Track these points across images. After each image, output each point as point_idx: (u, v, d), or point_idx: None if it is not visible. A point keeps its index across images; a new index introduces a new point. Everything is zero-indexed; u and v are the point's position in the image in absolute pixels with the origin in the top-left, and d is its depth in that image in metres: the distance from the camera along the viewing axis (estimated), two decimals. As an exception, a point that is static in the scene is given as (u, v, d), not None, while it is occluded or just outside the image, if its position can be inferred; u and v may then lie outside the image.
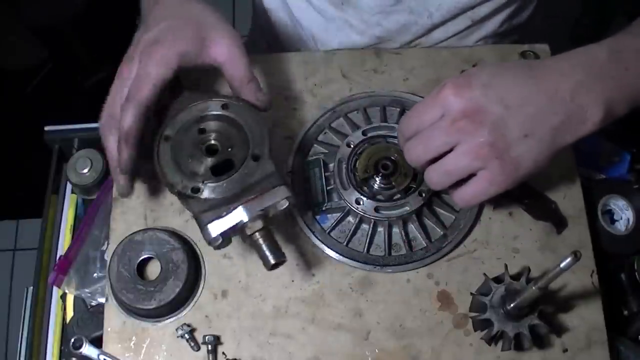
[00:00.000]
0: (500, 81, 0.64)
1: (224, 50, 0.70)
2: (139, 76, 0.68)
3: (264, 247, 0.65)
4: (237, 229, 0.66)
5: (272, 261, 0.65)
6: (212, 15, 0.72)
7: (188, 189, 0.67)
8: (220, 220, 0.65)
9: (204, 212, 0.66)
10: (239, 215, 0.65)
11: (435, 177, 0.66)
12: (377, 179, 0.78)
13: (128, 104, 0.67)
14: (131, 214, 0.80)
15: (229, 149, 0.70)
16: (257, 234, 0.65)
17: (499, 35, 0.99)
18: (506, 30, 0.99)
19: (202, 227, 0.65)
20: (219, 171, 0.69)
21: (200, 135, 0.71)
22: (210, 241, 0.65)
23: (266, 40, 1.13)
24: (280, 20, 1.05)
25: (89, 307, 0.82)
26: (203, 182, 0.67)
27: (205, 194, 0.66)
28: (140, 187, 0.81)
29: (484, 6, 0.92)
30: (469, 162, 0.63)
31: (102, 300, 0.80)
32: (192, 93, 0.75)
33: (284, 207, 0.66)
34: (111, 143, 0.71)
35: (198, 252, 0.77)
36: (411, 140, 0.66)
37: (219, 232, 0.65)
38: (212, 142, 0.72)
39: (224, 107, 0.72)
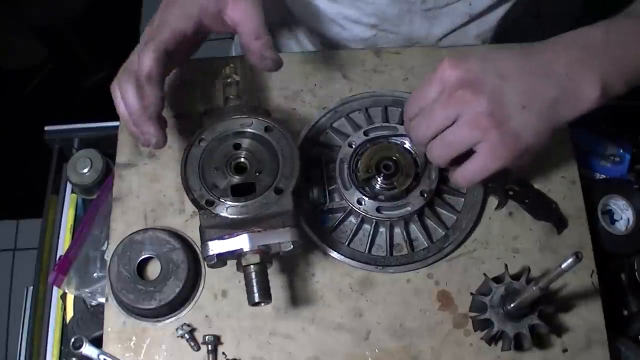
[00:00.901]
0: (496, 55, 0.65)
1: (241, 8, 0.70)
2: (158, 25, 0.68)
3: (254, 283, 0.65)
4: (235, 255, 0.66)
5: (256, 300, 0.65)
6: None
7: (203, 199, 0.67)
8: (222, 241, 0.65)
9: (210, 228, 0.66)
10: (241, 242, 0.65)
11: (437, 151, 0.66)
12: (378, 179, 0.78)
13: (146, 47, 0.66)
14: (131, 214, 0.80)
15: (256, 173, 0.70)
16: (251, 267, 0.65)
17: (497, 33, 0.99)
18: (504, 26, 0.99)
19: (203, 242, 0.66)
20: (238, 190, 0.69)
21: (233, 150, 0.71)
22: (206, 258, 0.66)
23: None
24: (273, 19, 1.05)
25: (89, 307, 0.82)
26: (220, 197, 0.67)
27: (218, 210, 0.66)
28: (140, 187, 0.81)
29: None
30: (468, 133, 0.63)
31: (102, 300, 0.80)
32: (241, 104, 0.75)
33: (288, 249, 0.66)
34: (129, 92, 0.67)
35: (198, 252, 0.77)
36: (414, 119, 0.67)
37: (217, 252, 0.65)
38: (242, 160, 0.71)
39: (267, 129, 0.71)
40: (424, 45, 0.97)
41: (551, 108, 0.64)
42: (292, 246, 0.66)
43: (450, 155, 0.65)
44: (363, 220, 0.79)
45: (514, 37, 1.03)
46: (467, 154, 0.65)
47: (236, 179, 0.69)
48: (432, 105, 0.65)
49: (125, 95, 0.67)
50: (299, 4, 0.99)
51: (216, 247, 0.65)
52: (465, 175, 0.65)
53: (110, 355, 0.73)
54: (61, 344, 0.83)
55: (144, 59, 0.65)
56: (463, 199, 0.81)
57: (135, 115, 0.67)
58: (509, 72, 0.64)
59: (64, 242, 0.90)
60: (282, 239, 0.66)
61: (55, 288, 0.85)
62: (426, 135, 0.66)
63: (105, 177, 0.90)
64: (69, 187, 0.93)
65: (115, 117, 0.85)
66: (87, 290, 0.82)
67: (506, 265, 0.74)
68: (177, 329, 0.73)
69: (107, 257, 0.77)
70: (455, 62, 0.64)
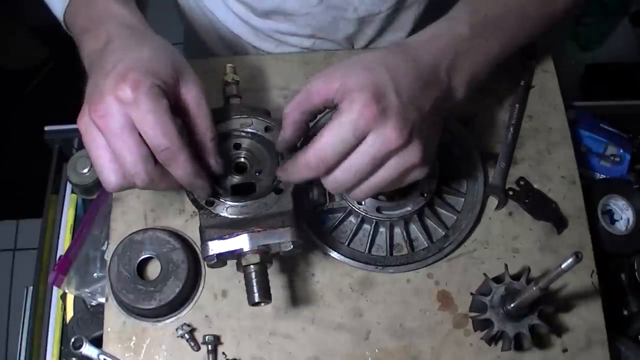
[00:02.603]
0: (403, 84, 0.62)
1: (192, 96, 0.63)
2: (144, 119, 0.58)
3: (254, 283, 0.65)
4: (235, 255, 0.66)
5: (256, 299, 0.65)
6: (178, 53, 0.65)
7: (203, 199, 0.67)
8: (222, 241, 0.65)
9: (210, 228, 0.66)
10: (241, 242, 0.65)
11: (363, 195, 0.64)
12: (377, 179, 0.78)
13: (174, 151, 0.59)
14: (131, 214, 0.80)
15: (256, 172, 0.70)
16: (251, 266, 0.65)
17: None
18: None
19: (203, 242, 0.66)
20: (237, 191, 0.69)
21: (233, 150, 0.71)
22: (205, 258, 0.66)
23: (200, 51, 1.11)
24: (210, 33, 1.06)
25: (89, 307, 0.82)
26: (220, 197, 0.67)
27: (218, 210, 0.66)
28: (140, 187, 0.81)
29: None
30: (399, 176, 0.62)
31: (102, 300, 0.80)
32: (241, 104, 0.75)
33: (288, 249, 0.66)
34: (177, 171, 0.61)
35: (198, 252, 0.77)
36: (334, 173, 0.62)
37: (217, 252, 0.65)
38: (242, 160, 0.71)
39: (267, 129, 0.71)
40: (362, 45, 0.96)
41: (438, 110, 0.65)
42: (292, 246, 0.66)
43: (374, 193, 0.65)
44: (363, 220, 0.79)
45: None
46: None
47: (236, 178, 0.69)
48: (357, 156, 0.60)
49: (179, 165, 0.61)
50: (235, 23, 1.00)
51: (216, 247, 0.65)
52: (377, 180, 0.64)
53: (110, 355, 0.73)
54: (61, 344, 0.83)
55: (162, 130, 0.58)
56: (463, 199, 0.81)
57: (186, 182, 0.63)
58: (423, 93, 0.63)
59: (64, 242, 0.90)
60: (282, 239, 0.66)
61: (55, 288, 0.85)
62: (350, 187, 0.63)
63: (105, 177, 0.90)
64: (69, 187, 0.93)
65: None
66: (87, 290, 0.82)
67: (506, 265, 0.74)
68: (177, 329, 0.73)
69: (107, 257, 0.77)
70: (382, 112, 0.59)
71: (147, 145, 0.59)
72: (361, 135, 0.59)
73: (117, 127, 0.57)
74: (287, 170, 0.64)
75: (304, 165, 0.61)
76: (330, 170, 0.62)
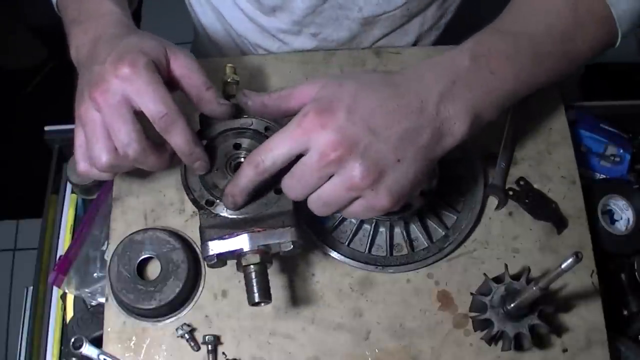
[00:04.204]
0: (364, 103, 0.61)
1: (182, 64, 0.67)
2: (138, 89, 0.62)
3: (254, 283, 0.65)
4: (235, 255, 0.66)
5: (256, 299, 0.65)
6: (161, 39, 0.69)
7: (203, 199, 0.67)
8: (222, 241, 0.65)
9: (210, 228, 0.66)
10: (241, 242, 0.65)
11: (316, 209, 0.64)
12: (377, 179, 0.78)
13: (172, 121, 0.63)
14: (131, 214, 0.80)
15: None
16: (251, 266, 0.65)
17: (448, 29, 0.99)
18: (451, 19, 0.98)
19: (203, 242, 0.66)
20: None
21: (233, 150, 0.71)
22: (205, 258, 0.66)
23: (208, 50, 1.13)
24: (218, 32, 1.06)
25: (89, 307, 0.82)
26: (220, 197, 0.67)
27: (218, 210, 0.67)
28: (140, 187, 0.81)
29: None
30: (344, 194, 0.61)
31: (102, 300, 0.80)
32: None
33: (288, 249, 0.66)
34: (176, 137, 0.64)
35: (198, 252, 0.77)
36: (286, 179, 0.63)
37: (217, 253, 0.65)
38: (242, 160, 0.71)
39: (267, 129, 0.71)
40: (366, 45, 0.96)
41: (424, 152, 0.62)
42: (292, 246, 0.66)
43: (329, 212, 0.63)
44: (363, 220, 0.79)
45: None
46: None
47: None
48: (302, 167, 0.61)
49: (172, 138, 0.64)
50: (241, 21, 1.00)
51: (216, 247, 0.65)
52: (347, 215, 0.64)
53: (110, 355, 0.73)
54: (61, 344, 0.83)
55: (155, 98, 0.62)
56: (463, 199, 0.81)
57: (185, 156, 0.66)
58: (380, 124, 0.60)
59: (64, 242, 0.90)
60: (282, 239, 0.66)
61: (55, 288, 0.85)
62: (302, 194, 0.63)
63: (105, 177, 0.90)
64: (69, 187, 0.93)
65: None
66: (87, 290, 0.82)
67: (506, 265, 0.74)
68: (177, 329, 0.73)
69: (107, 257, 0.77)
70: (321, 118, 0.59)
71: (140, 123, 0.63)
72: (300, 144, 0.60)
73: (116, 102, 0.62)
74: (233, 178, 0.65)
75: (245, 167, 0.63)
76: (268, 175, 0.63)
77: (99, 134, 0.63)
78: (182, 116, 0.64)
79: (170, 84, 0.67)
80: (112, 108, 0.62)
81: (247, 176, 0.63)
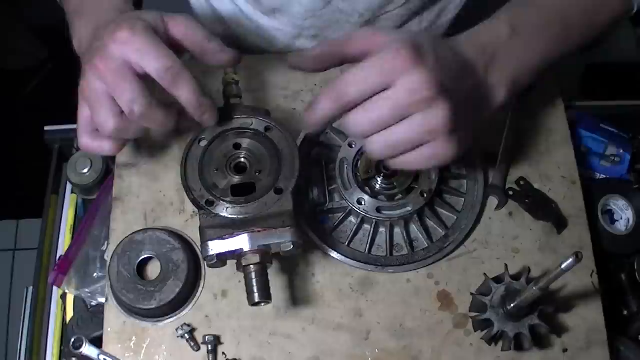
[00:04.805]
0: (443, 54, 0.61)
1: (180, 25, 0.67)
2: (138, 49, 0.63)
3: (254, 283, 0.65)
4: (235, 255, 0.66)
5: (256, 299, 0.65)
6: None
7: (203, 199, 0.67)
8: (222, 241, 0.65)
9: (210, 228, 0.66)
10: (241, 242, 0.65)
11: (379, 150, 0.61)
12: (378, 179, 0.78)
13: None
14: (131, 214, 0.80)
15: (256, 172, 0.70)
16: (251, 266, 0.65)
17: (453, 25, 0.99)
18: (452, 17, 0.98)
19: (203, 242, 0.66)
20: (237, 190, 0.68)
21: (233, 150, 0.71)
22: (206, 258, 0.66)
23: None
24: (218, 34, 1.06)
25: (89, 307, 0.82)
26: (220, 197, 0.67)
27: (218, 210, 0.67)
28: (140, 187, 0.81)
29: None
30: (417, 137, 0.60)
31: (102, 300, 0.80)
32: (241, 104, 0.75)
33: (288, 249, 0.66)
34: (184, 89, 0.64)
35: (198, 252, 0.77)
36: (355, 112, 0.60)
37: (217, 253, 0.65)
38: (242, 160, 0.71)
39: (267, 129, 0.71)
40: None
41: (477, 113, 0.65)
42: (292, 246, 0.66)
43: (392, 154, 0.62)
44: (363, 220, 0.79)
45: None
46: None
47: (236, 179, 0.69)
48: (384, 101, 0.59)
49: (179, 92, 0.65)
50: (240, 20, 1.00)
51: (216, 247, 0.65)
52: (400, 164, 0.63)
53: (110, 355, 0.73)
54: (61, 344, 0.83)
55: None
56: (463, 199, 0.81)
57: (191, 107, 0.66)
58: (458, 76, 0.61)
59: (64, 242, 0.90)
60: (282, 239, 0.66)
61: (55, 288, 0.85)
62: (369, 131, 0.60)
63: (105, 177, 0.90)
64: (69, 187, 0.93)
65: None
66: (87, 290, 0.82)
67: (506, 265, 0.74)
68: (177, 329, 0.73)
69: (107, 257, 0.77)
70: (415, 57, 0.58)
71: (143, 84, 0.63)
72: (387, 78, 0.58)
73: (117, 66, 0.62)
74: (310, 108, 0.62)
75: (324, 98, 0.60)
76: (349, 107, 0.60)
77: (103, 100, 0.63)
78: (187, 69, 0.64)
79: (173, 48, 0.66)
80: (114, 72, 0.62)
81: (327, 107, 0.61)
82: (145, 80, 0.63)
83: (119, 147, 0.69)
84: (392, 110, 0.59)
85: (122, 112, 0.63)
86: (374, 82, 0.59)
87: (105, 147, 0.68)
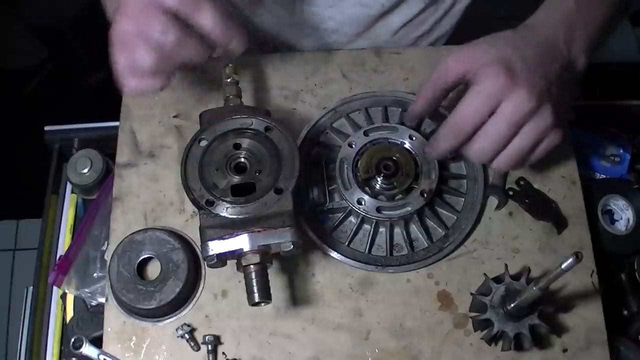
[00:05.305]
0: (526, 54, 0.68)
1: (208, 14, 0.66)
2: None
3: (254, 283, 0.65)
4: (235, 255, 0.66)
5: (256, 299, 0.65)
6: None
7: (204, 199, 0.67)
8: (222, 241, 0.65)
9: (210, 228, 0.66)
10: (241, 242, 0.65)
11: (508, 163, 0.70)
12: (378, 179, 0.78)
13: None
14: (131, 214, 0.80)
15: (256, 172, 0.70)
16: (251, 266, 0.65)
17: (463, 21, 0.99)
18: (467, 12, 0.99)
19: (203, 242, 0.66)
20: (237, 190, 0.69)
21: (233, 150, 0.71)
22: (206, 258, 0.66)
23: None
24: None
25: (89, 307, 0.82)
26: (220, 197, 0.67)
27: (218, 210, 0.67)
28: (140, 187, 0.81)
29: None
30: (537, 140, 0.68)
31: (102, 300, 0.80)
32: (241, 104, 0.75)
33: (288, 249, 0.66)
34: (206, 14, 0.65)
35: (198, 252, 0.77)
36: (475, 141, 0.68)
37: (217, 252, 0.65)
38: (242, 160, 0.71)
39: (267, 129, 0.71)
40: (381, 31, 0.96)
41: (568, 88, 0.71)
42: (292, 246, 0.66)
43: (519, 162, 0.70)
44: (363, 220, 0.79)
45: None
46: None
47: (236, 179, 0.69)
48: (499, 124, 0.66)
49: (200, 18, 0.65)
50: (259, 13, 0.99)
51: (216, 247, 0.65)
52: (528, 163, 0.72)
53: (110, 355, 0.73)
54: (61, 344, 0.83)
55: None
56: (463, 199, 0.81)
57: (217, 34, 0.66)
58: (546, 69, 0.68)
59: (64, 242, 0.90)
60: (282, 239, 0.66)
61: (55, 288, 0.85)
62: (495, 153, 0.69)
63: (105, 177, 0.90)
64: (69, 187, 0.93)
65: (116, 117, 0.85)
66: (87, 290, 0.82)
67: (506, 265, 0.74)
68: (177, 329, 0.73)
69: (107, 257, 0.77)
70: (510, 76, 0.65)
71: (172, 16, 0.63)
72: (494, 102, 0.66)
73: (144, 5, 0.63)
74: (432, 144, 0.73)
75: (446, 135, 0.70)
76: (469, 137, 0.68)
77: (138, 39, 0.64)
78: None
79: None
80: (142, 10, 0.63)
81: (449, 143, 0.70)
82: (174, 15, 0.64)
83: (164, 81, 0.69)
84: (507, 130, 0.67)
85: (157, 46, 0.64)
86: (484, 111, 0.67)
87: (150, 84, 0.68)
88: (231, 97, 0.75)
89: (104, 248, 0.83)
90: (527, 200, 0.80)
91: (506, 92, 0.66)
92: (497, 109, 0.66)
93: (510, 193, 0.81)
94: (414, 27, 0.97)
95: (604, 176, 0.93)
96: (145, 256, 0.75)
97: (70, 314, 0.83)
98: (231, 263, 0.68)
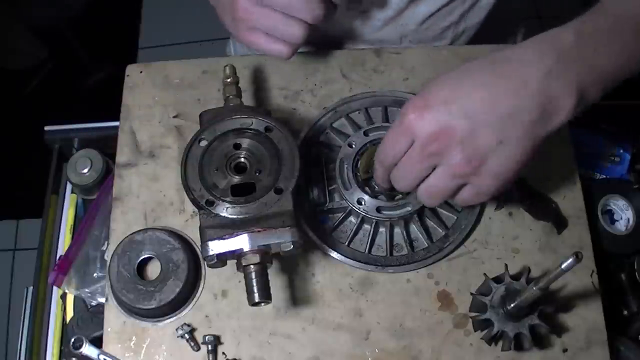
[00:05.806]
0: (461, 92, 0.61)
1: None
2: None
3: (254, 283, 0.65)
4: (235, 255, 0.66)
5: (256, 299, 0.65)
6: None
7: (203, 199, 0.67)
8: (222, 241, 0.65)
9: (210, 228, 0.66)
10: (241, 242, 0.65)
11: (426, 200, 0.67)
12: (378, 179, 0.78)
13: None
14: (131, 214, 0.80)
15: (256, 172, 0.70)
16: (251, 266, 0.65)
17: (490, 16, 0.98)
18: (496, 10, 0.97)
19: (203, 242, 0.66)
20: (237, 190, 0.69)
21: (233, 149, 0.71)
22: (205, 258, 0.66)
23: None
24: None
25: (89, 307, 0.82)
26: (220, 197, 0.67)
27: (218, 210, 0.66)
28: (140, 187, 0.81)
29: None
30: (450, 182, 0.63)
31: (102, 300, 0.80)
32: (241, 104, 0.75)
33: (288, 249, 0.66)
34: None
35: (198, 252, 0.77)
36: (393, 172, 0.68)
37: (217, 252, 0.65)
38: (242, 160, 0.71)
39: (267, 129, 0.72)
40: (409, 21, 0.96)
41: (529, 132, 0.61)
42: (292, 246, 0.66)
43: (438, 201, 0.67)
44: (363, 220, 0.79)
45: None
46: None
47: (236, 179, 0.69)
48: (407, 159, 0.64)
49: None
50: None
51: (216, 247, 0.65)
52: (460, 201, 0.67)
53: (110, 355, 0.73)
54: (61, 344, 0.83)
55: None
56: (463, 199, 0.81)
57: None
58: (479, 110, 0.60)
59: (64, 242, 0.90)
60: (282, 239, 0.66)
61: (55, 288, 0.86)
62: (410, 186, 0.67)
63: (105, 177, 0.90)
64: (69, 187, 0.94)
65: (116, 117, 0.85)
66: (87, 290, 0.82)
67: (506, 265, 0.74)
68: (177, 329, 0.73)
69: (107, 257, 0.77)
70: (419, 112, 0.61)
71: None
72: (408, 138, 0.63)
73: None
74: (374, 173, 0.74)
75: (377, 162, 0.70)
76: (392, 168, 0.68)
77: (283, 14, 0.72)
78: None
79: None
80: None
81: (380, 173, 0.71)
82: None
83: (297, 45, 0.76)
84: (414, 166, 0.64)
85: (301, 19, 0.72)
86: (400, 144, 0.64)
87: (291, 48, 0.75)
88: (231, 97, 0.75)
89: (104, 248, 0.83)
90: (527, 201, 0.80)
91: (412, 129, 0.62)
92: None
93: (510, 193, 0.81)
94: (441, 17, 0.96)
95: (604, 176, 0.93)
96: (145, 256, 0.75)
97: (70, 314, 0.83)
98: (231, 263, 0.68)
